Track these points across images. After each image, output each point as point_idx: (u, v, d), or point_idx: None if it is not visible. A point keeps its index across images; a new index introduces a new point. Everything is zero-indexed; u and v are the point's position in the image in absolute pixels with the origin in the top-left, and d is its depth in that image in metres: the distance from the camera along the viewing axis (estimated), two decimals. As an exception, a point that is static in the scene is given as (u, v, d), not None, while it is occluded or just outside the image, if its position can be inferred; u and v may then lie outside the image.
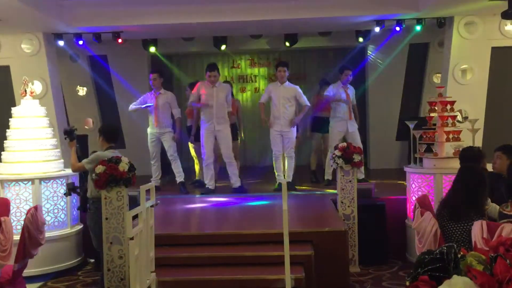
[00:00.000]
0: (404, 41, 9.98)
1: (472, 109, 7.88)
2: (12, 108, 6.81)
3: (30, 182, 6.41)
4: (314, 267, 5.23)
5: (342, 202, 6.40)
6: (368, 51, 10.79)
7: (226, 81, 9.85)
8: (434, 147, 6.59)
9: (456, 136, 6.40)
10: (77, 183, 6.57)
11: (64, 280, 6.33)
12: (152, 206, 4.35)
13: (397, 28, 8.43)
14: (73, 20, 8.03)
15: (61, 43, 8.61)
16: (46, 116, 6.83)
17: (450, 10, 7.78)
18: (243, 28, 9.14)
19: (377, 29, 8.63)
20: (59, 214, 6.61)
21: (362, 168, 7.98)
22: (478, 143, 7.21)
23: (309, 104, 8.34)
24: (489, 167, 5.53)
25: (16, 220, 6.16)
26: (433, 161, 6.40)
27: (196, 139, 8.61)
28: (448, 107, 6.45)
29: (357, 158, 6.33)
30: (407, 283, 1.72)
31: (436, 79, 10.27)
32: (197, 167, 9.17)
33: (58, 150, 6.91)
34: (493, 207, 4.49)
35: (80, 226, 6.87)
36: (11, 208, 5.55)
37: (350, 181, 6.41)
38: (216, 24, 8.33)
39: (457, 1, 7.25)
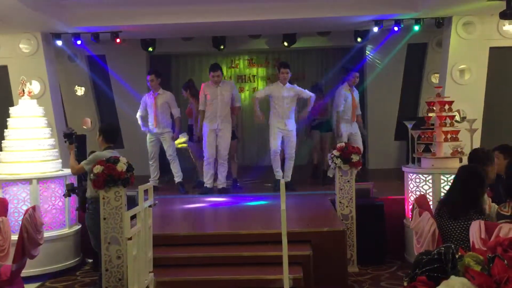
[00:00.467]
0: (403, 41, 9.98)
1: (470, 109, 7.88)
2: (10, 108, 6.80)
3: (28, 182, 6.40)
4: (312, 267, 5.23)
5: (340, 202, 6.40)
6: (367, 51, 10.80)
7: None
8: (432, 147, 6.60)
9: (454, 136, 6.41)
10: (76, 184, 6.57)
11: (62, 280, 6.32)
12: (150, 206, 4.35)
13: (396, 28, 8.44)
14: (71, 20, 8.03)
15: (59, 43, 8.61)
16: (44, 116, 6.82)
17: (449, 10, 7.79)
18: (242, 28, 9.13)
19: (375, 29, 8.65)
20: (57, 214, 6.61)
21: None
22: (476, 143, 7.22)
23: (312, 94, 8.28)
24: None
25: (14, 220, 6.15)
26: (431, 161, 6.41)
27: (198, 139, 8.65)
28: (446, 107, 6.46)
29: (355, 158, 6.33)
30: (405, 284, 1.73)
31: (435, 79, 10.28)
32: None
33: (56, 150, 6.91)
34: (493, 208, 4.50)
35: (78, 226, 6.86)
36: (9, 208, 5.54)
37: (348, 181, 6.42)
38: (214, 24, 8.33)
39: (456, 1, 7.26)
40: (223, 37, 9.92)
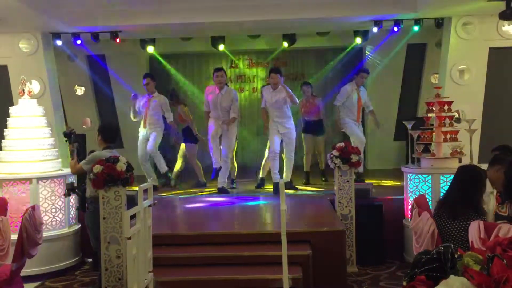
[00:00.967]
0: (402, 42, 9.99)
1: (469, 110, 7.89)
2: (10, 107, 6.80)
3: (27, 182, 6.41)
4: (312, 267, 5.24)
5: (340, 202, 6.41)
6: (366, 51, 10.81)
7: None
8: (431, 147, 6.60)
9: (453, 136, 6.42)
10: (76, 183, 6.58)
11: (62, 280, 6.32)
12: (150, 206, 4.36)
13: (395, 29, 8.44)
14: (71, 19, 8.02)
15: (59, 42, 8.60)
16: (44, 115, 6.83)
17: (448, 10, 7.79)
18: (241, 28, 9.14)
19: (375, 30, 8.64)
20: (56, 214, 6.61)
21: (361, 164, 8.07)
22: (476, 143, 7.23)
23: (297, 100, 8.20)
24: (486, 167, 5.52)
25: (14, 219, 6.15)
26: (430, 161, 6.42)
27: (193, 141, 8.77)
28: (446, 107, 6.46)
29: (354, 158, 6.34)
30: (404, 283, 1.73)
31: (434, 79, 10.29)
32: (177, 167, 9.18)
33: (56, 149, 6.91)
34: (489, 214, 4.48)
35: (78, 226, 6.87)
36: (8, 207, 5.54)
37: (348, 181, 6.43)
38: (214, 24, 8.33)
39: (455, 1, 7.26)
40: (223, 37, 9.92)
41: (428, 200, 5.84)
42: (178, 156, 9.29)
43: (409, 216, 5.60)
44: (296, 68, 12.27)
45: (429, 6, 7.67)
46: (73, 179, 6.72)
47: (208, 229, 6.18)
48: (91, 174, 5.20)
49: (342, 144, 6.52)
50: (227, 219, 6.77)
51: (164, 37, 10.24)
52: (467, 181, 4.30)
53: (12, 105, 7.11)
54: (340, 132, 9.40)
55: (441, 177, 6.23)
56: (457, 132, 6.46)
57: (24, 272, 5.30)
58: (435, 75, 10.18)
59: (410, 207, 6.10)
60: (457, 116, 7.50)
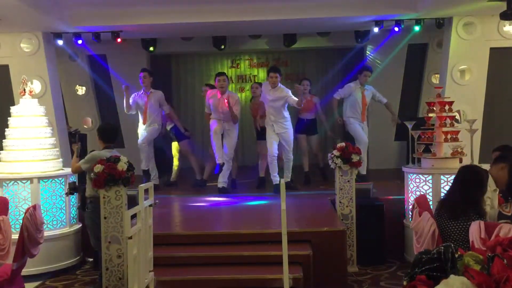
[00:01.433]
0: (403, 42, 9.98)
1: (470, 110, 7.89)
2: (11, 107, 6.81)
3: (28, 181, 6.41)
4: (312, 267, 5.24)
5: (340, 202, 6.41)
6: (367, 51, 10.80)
7: None
8: (432, 147, 6.60)
9: (454, 136, 6.42)
10: (78, 183, 6.59)
11: (62, 279, 6.33)
12: (150, 205, 4.37)
13: (396, 29, 8.44)
14: (72, 19, 8.03)
15: (60, 42, 8.61)
16: (45, 115, 6.83)
17: (449, 10, 7.79)
18: (242, 28, 9.14)
19: (376, 30, 8.64)
20: (57, 213, 6.61)
21: (364, 166, 8.05)
22: (476, 143, 7.23)
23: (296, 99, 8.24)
24: (487, 167, 5.53)
25: (15, 219, 6.17)
26: (431, 161, 6.41)
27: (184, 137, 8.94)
28: (447, 107, 6.46)
29: (355, 158, 6.34)
30: (405, 283, 1.73)
31: (435, 79, 10.29)
32: (175, 166, 9.18)
33: (57, 149, 6.91)
34: (493, 211, 4.49)
35: (78, 225, 6.87)
36: (9, 207, 5.54)
37: (348, 181, 6.43)
38: (215, 24, 8.33)
39: (456, 1, 7.26)
40: (224, 37, 9.93)
41: (428, 200, 5.85)
42: (173, 155, 9.29)
43: (410, 216, 5.59)
44: (296, 68, 12.28)
45: (430, 6, 7.67)
46: (75, 179, 6.73)
47: (209, 229, 6.18)
48: (92, 174, 5.20)
49: (343, 144, 6.52)
50: (228, 219, 6.77)
51: (165, 37, 10.24)
52: (469, 182, 4.30)
53: (13, 104, 7.12)
54: (338, 131, 9.40)
55: (442, 177, 6.23)
56: (457, 132, 6.46)
57: (25, 271, 5.31)
58: (436, 75, 10.18)
59: (410, 207, 6.10)
60: (457, 116, 7.52)
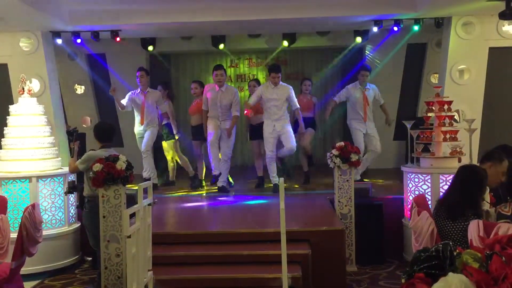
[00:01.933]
0: (402, 41, 9.98)
1: (469, 109, 7.90)
2: (10, 106, 6.80)
3: (27, 180, 6.41)
4: (311, 266, 5.24)
5: (339, 202, 6.42)
6: (366, 51, 10.80)
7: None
8: (431, 147, 6.61)
9: (453, 136, 6.43)
10: (76, 182, 6.60)
11: (61, 278, 6.33)
12: (149, 204, 4.36)
13: (395, 28, 8.44)
14: (71, 18, 8.03)
15: (59, 41, 8.60)
16: (44, 114, 6.83)
17: (448, 10, 7.79)
18: (241, 27, 9.14)
19: (375, 29, 8.65)
20: (56, 212, 6.62)
21: (359, 169, 8.00)
22: (475, 143, 7.23)
23: (298, 106, 8.18)
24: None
25: (14, 218, 6.17)
26: (430, 161, 6.42)
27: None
28: (446, 107, 6.47)
29: (354, 157, 6.35)
30: (403, 281, 1.73)
31: (434, 79, 10.29)
32: (170, 164, 9.15)
33: (56, 148, 6.91)
34: (492, 212, 4.48)
35: (77, 224, 6.87)
36: (8, 206, 5.54)
37: (347, 180, 6.43)
38: (214, 23, 8.33)
39: (455, 1, 7.27)
40: (223, 36, 9.93)
41: (427, 199, 5.85)
42: (166, 155, 9.23)
43: (409, 215, 5.60)
44: (296, 68, 12.27)
45: (429, 6, 7.68)
46: (73, 178, 6.72)
47: (208, 228, 6.18)
48: (91, 173, 5.20)
49: (342, 143, 6.53)
50: (227, 218, 6.77)
51: (164, 36, 10.24)
52: (468, 182, 4.28)
53: (12, 103, 7.11)
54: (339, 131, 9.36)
55: (441, 176, 6.23)
56: (456, 131, 6.47)
57: (23, 270, 5.30)
58: (435, 74, 10.18)
59: (409, 206, 6.11)
60: (456, 116, 7.52)
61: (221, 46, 9.99)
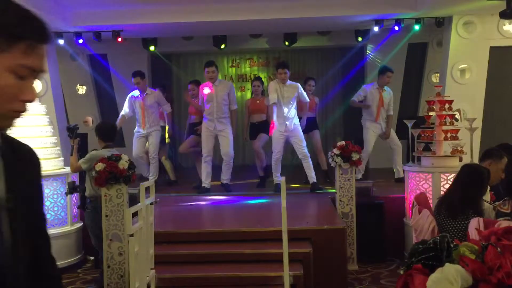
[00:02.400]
0: (403, 41, 10.01)
1: (470, 108, 7.91)
2: (12, 106, 6.82)
3: (30, 180, 6.42)
4: (312, 265, 5.25)
5: (340, 201, 6.43)
6: (367, 51, 10.82)
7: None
8: (432, 146, 6.62)
9: (454, 135, 6.44)
10: (78, 182, 6.62)
11: (64, 278, 6.24)
12: (151, 203, 4.39)
13: (396, 28, 8.47)
14: (73, 18, 8.06)
15: (61, 41, 8.64)
16: (46, 114, 6.86)
17: (449, 9, 7.82)
18: (242, 27, 9.16)
19: (376, 29, 8.67)
20: (59, 212, 6.64)
21: (362, 168, 8.00)
22: (476, 142, 7.25)
23: (308, 100, 8.15)
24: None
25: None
26: (431, 160, 6.43)
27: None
28: (447, 106, 6.48)
29: (355, 156, 6.36)
30: (401, 272, 1.76)
31: (435, 78, 10.31)
32: (168, 168, 9.12)
33: (58, 148, 6.94)
34: (490, 209, 4.50)
35: (80, 224, 6.90)
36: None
37: (348, 179, 6.45)
38: (215, 23, 8.36)
39: (456, 0, 7.29)
40: (224, 37, 9.96)
41: (428, 198, 5.86)
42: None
43: (410, 214, 5.61)
44: (297, 68, 12.29)
45: (430, 5, 7.70)
46: (74, 178, 6.75)
47: (210, 227, 6.20)
48: (94, 172, 5.23)
49: (343, 142, 6.54)
50: (229, 217, 6.79)
51: (165, 37, 10.27)
52: (470, 181, 4.29)
53: (14, 103, 7.13)
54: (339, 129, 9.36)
55: (442, 175, 6.24)
56: (457, 131, 6.48)
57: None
58: (436, 74, 10.20)
59: (410, 205, 6.13)
60: (457, 115, 7.52)
61: (222, 46, 10.02)
